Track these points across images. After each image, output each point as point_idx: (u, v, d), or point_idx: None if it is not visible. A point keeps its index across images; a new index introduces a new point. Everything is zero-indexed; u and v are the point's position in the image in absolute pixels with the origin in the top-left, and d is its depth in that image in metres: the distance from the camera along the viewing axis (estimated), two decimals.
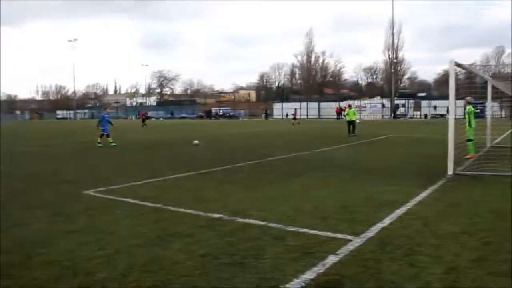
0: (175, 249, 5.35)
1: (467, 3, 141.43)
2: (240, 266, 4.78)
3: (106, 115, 22.28)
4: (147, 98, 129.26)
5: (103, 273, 4.60)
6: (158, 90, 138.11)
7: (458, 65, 11.40)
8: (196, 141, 21.01)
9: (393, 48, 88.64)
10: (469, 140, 14.34)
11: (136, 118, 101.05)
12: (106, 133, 21.25)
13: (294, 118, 49.34)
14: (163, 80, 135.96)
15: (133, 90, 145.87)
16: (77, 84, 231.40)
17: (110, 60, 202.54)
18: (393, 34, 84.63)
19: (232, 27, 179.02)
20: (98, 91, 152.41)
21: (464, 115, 14.76)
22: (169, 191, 9.35)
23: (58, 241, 5.73)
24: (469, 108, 14.58)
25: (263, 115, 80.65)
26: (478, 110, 15.21)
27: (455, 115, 16.69)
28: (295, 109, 54.18)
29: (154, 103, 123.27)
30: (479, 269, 4.62)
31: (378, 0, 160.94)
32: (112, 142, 20.94)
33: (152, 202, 8.04)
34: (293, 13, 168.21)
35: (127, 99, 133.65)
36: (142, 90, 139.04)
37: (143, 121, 46.91)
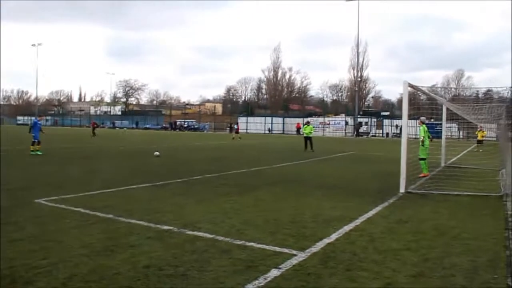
0: (120, 260, 5.35)
1: (434, 27, 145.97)
2: (183, 277, 4.81)
3: (39, 123, 22.08)
4: (112, 107, 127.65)
5: (43, 282, 4.57)
6: (124, 100, 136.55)
7: (411, 86, 11.75)
8: (157, 152, 20.94)
9: (358, 67, 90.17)
10: (422, 159, 14.72)
11: (100, 126, 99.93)
12: (37, 140, 20.96)
13: (236, 132, 49.43)
14: (129, 89, 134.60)
15: (98, 99, 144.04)
16: (40, 90, 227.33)
17: (75, 67, 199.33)
18: (358, 53, 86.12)
19: (201, 39, 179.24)
20: (62, 98, 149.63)
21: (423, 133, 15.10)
22: (122, 202, 9.26)
23: (1, 249, 5.64)
24: (423, 128, 14.96)
25: (228, 128, 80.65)
26: (430, 136, 15.55)
27: (416, 135, 17.17)
28: (237, 123, 55.39)
29: (119, 113, 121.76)
30: (415, 284, 4.80)
31: (346, 19, 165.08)
32: (38, 151, 20.67)
33: (103, 213, 8.00)
34: (262, 28, 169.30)
35: (92, 107, 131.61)
36: (107, 99, 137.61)
37: (93, 130, 46.31)
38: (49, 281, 4.61)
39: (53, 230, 6.76)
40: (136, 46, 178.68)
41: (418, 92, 16.12)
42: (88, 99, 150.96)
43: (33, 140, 21.01)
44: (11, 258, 5.30)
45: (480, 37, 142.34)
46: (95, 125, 49.14)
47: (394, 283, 4.82)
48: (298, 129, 68.11)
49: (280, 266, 5.21)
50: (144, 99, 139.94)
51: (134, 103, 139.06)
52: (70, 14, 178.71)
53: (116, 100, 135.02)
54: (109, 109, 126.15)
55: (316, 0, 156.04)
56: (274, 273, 5.00)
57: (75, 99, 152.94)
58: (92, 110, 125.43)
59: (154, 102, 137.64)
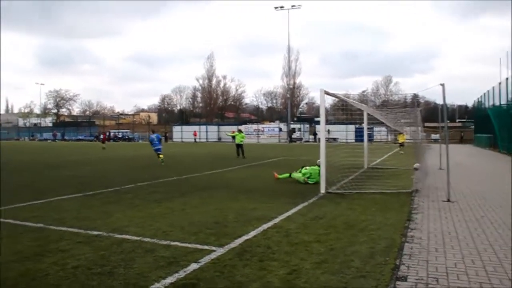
0: (50, 263, 5.73)
1: (367, 35, 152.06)
2: (109, 274, 5.28)
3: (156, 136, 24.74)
4: (43, 119, 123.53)
5: None
6: (55, 111, 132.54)
7: (327, 93, 12.65)
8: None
9: (290, 74, 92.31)
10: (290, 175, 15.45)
11: (29, 139, 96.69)
12: (160, 152, 23.75)
13: (103, 142, 48.87)
14: (60, 100, 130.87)
15: (26, 110, 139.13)
16: None
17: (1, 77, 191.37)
18: (289, 61, 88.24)
19: (135, 48, 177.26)
20: None
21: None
22: (53, 211, 9.48)
23: None
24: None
25: (163, 138, 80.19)
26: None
27: (346, 139, 18.03)
28: (104, 133, 55.86)
29: (50, 124, 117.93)
30: (317, 270, 5.48)
31: (280, 27, 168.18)
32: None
33: (33, 222, 8.26)
34: (197, 36, 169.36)
35: (20, 119, 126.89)
36: (37, 110, 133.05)
37: None
38: None
39: None
40: (68, 55, 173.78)
41: (350, 98, 17.20)
42: (16, 110, 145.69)
43: (158, 153, 23.71)
44: None
45: (410, 44, 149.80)
46: None
47: (299, 269, 5.50)
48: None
49: (199, 261, 5.78)
50: (76, 109, 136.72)
51: (66, 114, 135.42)
52: None
53: (47, 111, 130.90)
54: (39, 121, 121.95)
55: (249, 7, 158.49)
56: (193, 266, 5.56)
57: (2, 110, 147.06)
58: (21, 122, 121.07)
59: (87, 112, 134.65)
